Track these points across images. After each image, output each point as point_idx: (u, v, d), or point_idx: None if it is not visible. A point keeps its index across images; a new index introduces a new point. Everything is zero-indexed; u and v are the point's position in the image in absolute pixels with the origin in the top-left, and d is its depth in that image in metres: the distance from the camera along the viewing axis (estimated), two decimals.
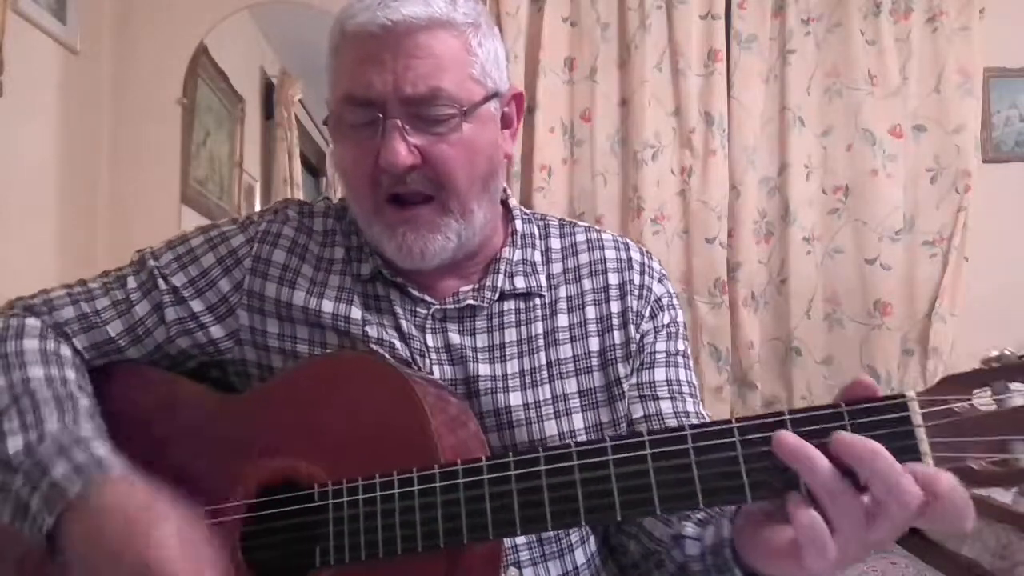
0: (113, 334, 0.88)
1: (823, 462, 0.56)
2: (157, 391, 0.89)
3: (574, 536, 0.85)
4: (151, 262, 0.91)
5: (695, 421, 0.86)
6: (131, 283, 0.90)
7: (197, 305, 0.89)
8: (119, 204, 2.34)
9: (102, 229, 2.32)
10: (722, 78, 2.43)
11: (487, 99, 0.82)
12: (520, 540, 0.82)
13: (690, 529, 0.78)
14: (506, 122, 0.88)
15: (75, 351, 0.88)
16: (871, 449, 0.55)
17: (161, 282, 0.89)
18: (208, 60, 2.41)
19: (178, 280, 0.89)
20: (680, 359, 0.90)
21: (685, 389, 0.88)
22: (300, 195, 2.55)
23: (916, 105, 2.45)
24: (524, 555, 0.82)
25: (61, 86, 2.13)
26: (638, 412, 0.85)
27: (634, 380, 0.87)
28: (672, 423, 0.85)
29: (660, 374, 0.88)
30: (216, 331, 0.89)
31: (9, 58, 1.84)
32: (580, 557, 0.85)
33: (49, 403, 0.78)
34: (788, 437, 0.57)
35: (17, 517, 0.72)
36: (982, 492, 2.15)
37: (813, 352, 2.43)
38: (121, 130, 2.36)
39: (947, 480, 0.54)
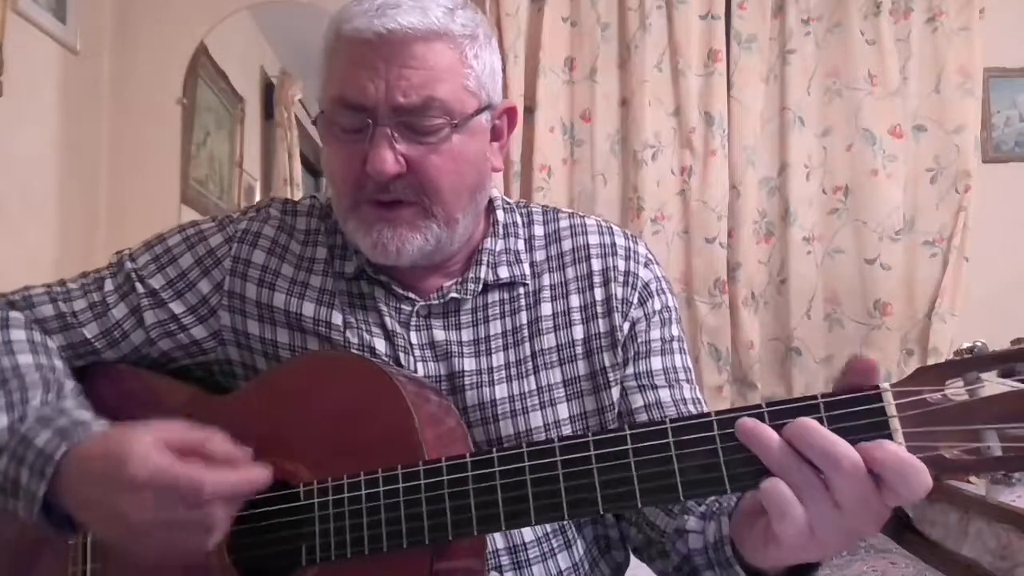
0: (89, 336, 0.88)
1: (773, 439, 0.58)
2: (143, 392, 0.89)
3: (556, 541, 0.85)
4: (128, 264, 0.90)
5: (692, 407, 0.87)
6: (108, 286, 0.90)
7: (177, 307, 0.89)
8: (119, 204, 2.34)
9: (102, 229, 2.32)
10: (722, 78, 2.43)
11: (479, 111, 0.82)
12: (500, 545, 0.82)
13: (692, 523, 0.78)
14: (496, 135, 0.87)
15: (58, 346, 0.88)
16: (803, 425, 0.57)
17: (139, 285, 0.89)
18: (208, 60, 2.41)
19: (156, 282, 0.89)
20: (675, 344, 0.90)
21: (682, 376, 0.89)
22: (300, 195, 2.55)
23: (916, 105, 2.45)
24: (505, 559, 0.82)
25: (61, 86, 2.13)
26: (638, 402, 0.86)
27: (631, 371, 0.87)
28: (671, 411, 0.86)
29: (656, 363, 0.88)
30: (198, 331, 0.89)
31: (9, 58, 1.84)
32: (564, 562, 0.84)
33: (36, 386, 0.80)
34: (746, 421, 0.59)
35: (10, 496, 0.73)
36: (980, 492, 2.15)
37: (813, 352, 2.43)
38: (121, 130, 2.36)
39: (889, 447, 0.55)
